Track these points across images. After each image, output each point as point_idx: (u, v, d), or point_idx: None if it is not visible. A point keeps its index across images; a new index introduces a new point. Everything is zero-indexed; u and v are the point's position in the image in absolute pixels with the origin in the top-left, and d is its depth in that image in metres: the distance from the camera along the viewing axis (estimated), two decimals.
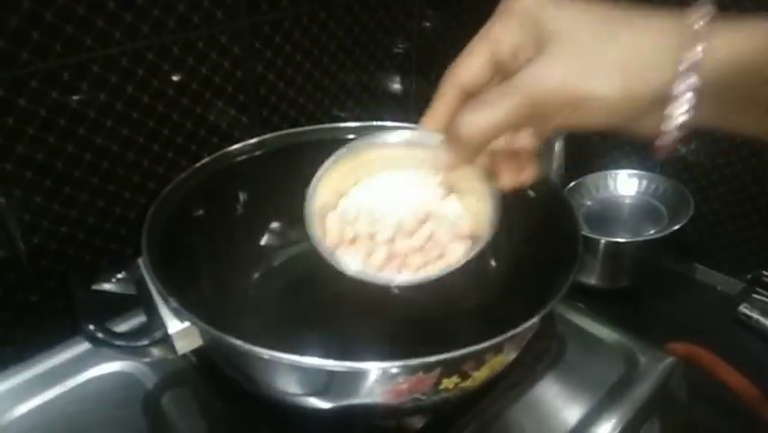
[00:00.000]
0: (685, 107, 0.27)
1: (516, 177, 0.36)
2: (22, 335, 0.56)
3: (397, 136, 0.39)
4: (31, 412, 0.49)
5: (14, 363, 0.53)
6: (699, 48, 0.26)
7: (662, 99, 0.27)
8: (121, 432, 0.48)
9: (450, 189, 0.40)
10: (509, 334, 0.37)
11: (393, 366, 0.36)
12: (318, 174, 0.40)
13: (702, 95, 0.27)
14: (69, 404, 0.50)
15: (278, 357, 0.38)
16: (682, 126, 0.28)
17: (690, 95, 0.27)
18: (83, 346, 0.54)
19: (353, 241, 0.40)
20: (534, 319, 0.38)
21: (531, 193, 0.49)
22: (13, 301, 0.55)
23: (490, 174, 0.37)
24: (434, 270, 0.38)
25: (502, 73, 0.32)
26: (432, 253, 0.39)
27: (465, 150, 0.32)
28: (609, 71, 0.28)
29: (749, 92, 0.27)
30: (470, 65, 0.33)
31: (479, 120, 0.31)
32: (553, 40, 0.29)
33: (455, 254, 0.39)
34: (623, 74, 0.27)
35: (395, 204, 0.40)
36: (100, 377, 0.52)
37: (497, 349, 0.38)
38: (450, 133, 0.33)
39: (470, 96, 0.33)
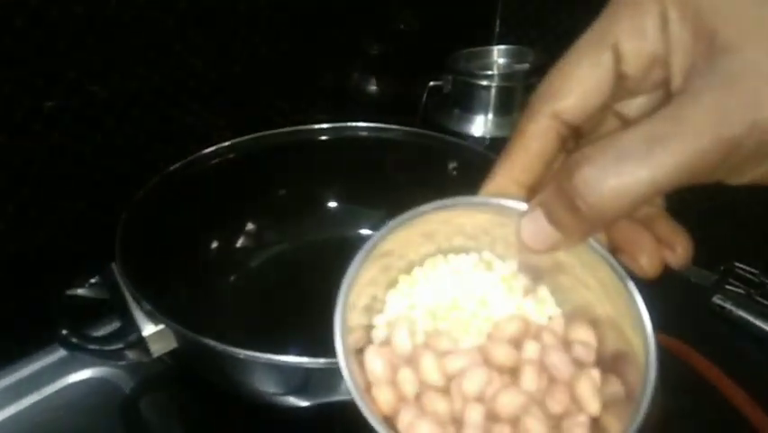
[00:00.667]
0: None
1: (661, 252, 0.24)
2: None
3: (449, 204, 0.25)
4: (6, 421, 0.49)
5: None
6: None
7: None
8: None
9: (535, 276, 0.26)
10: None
11: None
12: (348, 276, 0.24)
13: None
14: (46, 411, 0.50)
15: (252, 356, 0.38)
16: None
17: None
18: (59, 353, 0.53)
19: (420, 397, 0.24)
20: None
21: None
22: None
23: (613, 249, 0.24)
24: None
25: (626, 98, 0.22)
26: (555, 402, 0.23)
27: (588, 225, 0.21)
28: None
29: None
30: (579, 87, 0.21)
31: (625, 183, 0.19)
32: (739, 50, 0.18)
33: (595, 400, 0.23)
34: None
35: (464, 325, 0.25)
36: (77, 383, 0.52)
37: None
38: (556, 196, 0.21)
39: (575, 135, 0.23)
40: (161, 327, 0.40)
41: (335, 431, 0.45)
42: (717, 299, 0.78)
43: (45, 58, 0.49)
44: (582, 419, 0.23)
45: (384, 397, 0.23)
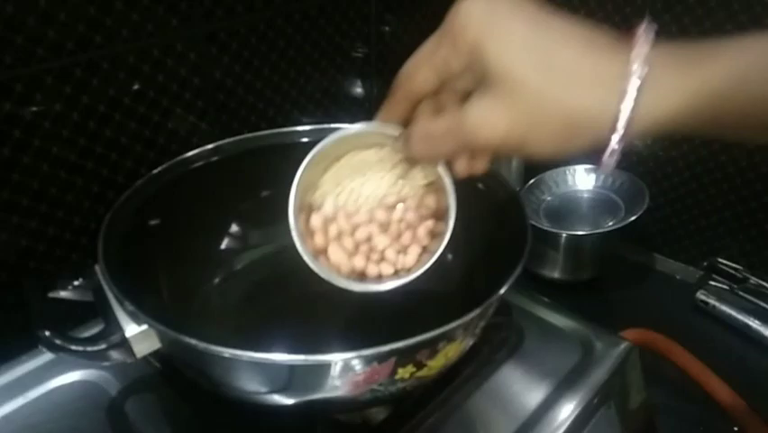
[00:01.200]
0: (618, 148, 0.29)
1: (470, 167, 0.38)
2: None
3: (356, 129, 0.40)
4: None
5: None
6: (630, 105, 0.28)
7: (600, 145, 0.30)
8: None
9: (407, 177, 0.42)
10: (457, 322, 0.38)
11: (347, 357, 0.37)
12: (298, 176, 0.40)
13: (639, 135, 0.29)
14: (32, 415, 0.50)
15: (235, 355, 0.39)
16: (619, 153, 0.30)
17: (620, 145, 0.29)
18: (45, 357, 0.54)
19: (339, 238, 0.42)
20: (479, 309, 0.39)
21: (481, 186, 0.51)
22: None
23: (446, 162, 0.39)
24: (412, 260, 0.42)
25: (449, 83, 0.34)
26: (406, 237, 0.42)
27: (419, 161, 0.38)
28: (549, 133, 0.30)
29: (695, 131, 0.29)
30: (419, 78, 0.34)
31: (429, 151, 0.36)
32: (497, 82, 0.30)
33: (426, 235, 0.42)
34: (562, 135, 0.30)
35: (365, 198, 0.42)
36: (63, 387, 0.52)
37: (448, 337, 0.40)
38: (405, 143, 0.36)
39: (421, 99, 0.36)
40: (144, 327, 0.40)
41: (318, 428, 0.46)
42: (701, 295, 0.79)
43: (23, 63, 0.50)
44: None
45: (319, 239, 0.42)
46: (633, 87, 0.28)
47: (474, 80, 0.32)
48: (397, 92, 0.36)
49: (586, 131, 0.30)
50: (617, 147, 0.29)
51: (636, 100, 0.28)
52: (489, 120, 0.31)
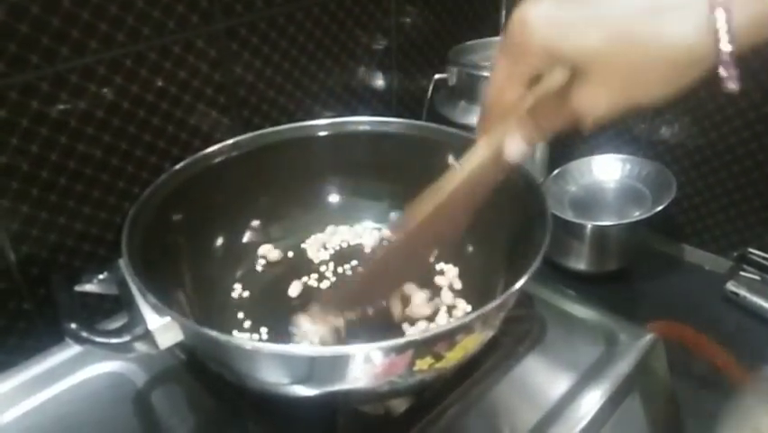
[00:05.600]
0: (730, 60, 0.28)
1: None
2: (15, 341, 0.58)
3: None
4: (25, 414, 0.51)
5: (7, 369, 0.54)
6: (723, 15, 0.27)
7: (711, 68, 0.29)
8: (113, 431, 0.49)
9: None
10: (475, 314, 0.38)
11: (365, 349, 0.37)
12: None
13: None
14: (62, 405, 0.51)
15: (257, 347, 0.39)
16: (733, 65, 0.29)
17: (732, 57, 0.28)
18: (74, 349, 0.55)
19: None
20: (498, 301, 0.39)
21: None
22: (5, 309, 0.56)
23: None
24: None
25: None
26: None
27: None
28: (654, 82, 0.30)
29: None
30: (509, 96, 0.35)
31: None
32: (587, 70, 0.31)
33: None
34: (668, 78, 0.30)
35: None
36: (91, 378, 0.53)
37: (467, 329, 0.39)
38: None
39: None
40: (167, 319, 0.41)
41: (340, 419, 0.46)
42: (731, 286, 0.77)
43: (50, 63, 0.51)
44: None
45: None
46: None
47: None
48: (491, 116, 0.37)
49: (691, 62, 0.29)
50: (728, 59, 0.28)
51: (726, 6, 0.27)
52: (591, 103, 0.32)
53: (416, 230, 0.42)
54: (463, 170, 0.39)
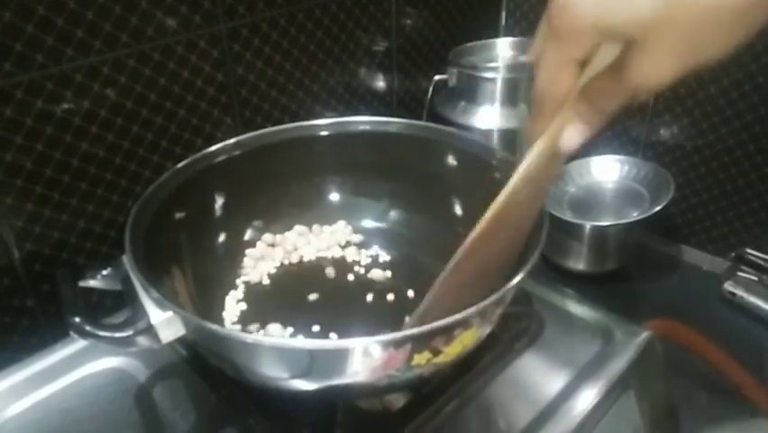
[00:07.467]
0: None
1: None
2: (18, 338, 0.58)
3: None
4: (28, 409, 0.51)
5: (11, 365, 0.55)
6: None
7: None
8: (115, 425, 0.50)
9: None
10: (473, 310, 0.38)
11: (363, 343, 0.38)
12: None
13: None
14: (65, 400, 0.52)
15: (257, 341, 0.40)
16: None
17: None
18: (77, 345, 0.56)
19: None
20: (495, 297, 0.39)
21: (498, 175, 0.51)
22: (8, 306, 0.57)
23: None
24: None
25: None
26: None
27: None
28: (720, 36, 0.28)
29: None
30: (562, 85, 0.33)
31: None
32: (643, 39, 0.29)
33: None
34: (733, 28, 0.28)
35: None
36: (94, 373, 0.54)
37: (464, 325, 0.40)
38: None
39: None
40: (169, 313, 0.41)
41: (339, 413, 0.47)
42: (728, 286, 0.78)
43: (54, 62, 0.52)
44: None
45: None
46: None
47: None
48: (546, 109, 0.34)
49: (753, 3, 0.28)
50: None
51: None
52: (654, 72, 0.29)
53: (483, 239, 0.40)
54: (524, 171, 0.37)
